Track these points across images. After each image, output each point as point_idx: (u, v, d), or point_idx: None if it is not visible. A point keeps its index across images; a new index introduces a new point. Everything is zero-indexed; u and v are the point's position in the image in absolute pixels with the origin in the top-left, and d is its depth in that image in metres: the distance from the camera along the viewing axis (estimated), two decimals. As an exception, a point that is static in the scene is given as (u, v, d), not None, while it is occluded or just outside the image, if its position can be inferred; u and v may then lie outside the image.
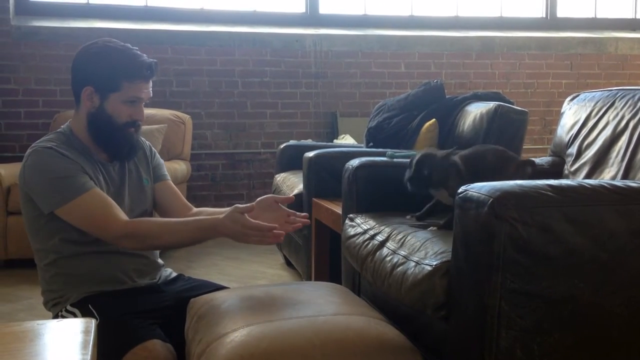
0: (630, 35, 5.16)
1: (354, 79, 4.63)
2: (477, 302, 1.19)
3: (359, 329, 1.33)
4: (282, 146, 3.57)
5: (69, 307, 1.66)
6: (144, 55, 1.72)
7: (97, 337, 1.02)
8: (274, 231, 1.53)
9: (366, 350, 1.29)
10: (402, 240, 1.56)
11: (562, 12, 5.17)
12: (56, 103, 4.12)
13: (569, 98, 2.19)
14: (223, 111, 4.44)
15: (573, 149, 2.01)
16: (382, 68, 4.67)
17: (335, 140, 4.29)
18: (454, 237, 1.28)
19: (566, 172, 2.02)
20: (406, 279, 1.40)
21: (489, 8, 5.09)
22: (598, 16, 5.26)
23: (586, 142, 1.96)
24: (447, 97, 3.16)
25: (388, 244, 1.59)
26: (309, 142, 4.10)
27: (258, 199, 1.72)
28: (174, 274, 1.90)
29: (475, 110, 2.87)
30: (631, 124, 1.80)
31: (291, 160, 3.41)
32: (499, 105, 2.74)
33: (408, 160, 1.81)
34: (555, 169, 2.08)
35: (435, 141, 3.02)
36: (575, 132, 2.04)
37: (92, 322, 1.05)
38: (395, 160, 2.10)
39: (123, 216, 1.64)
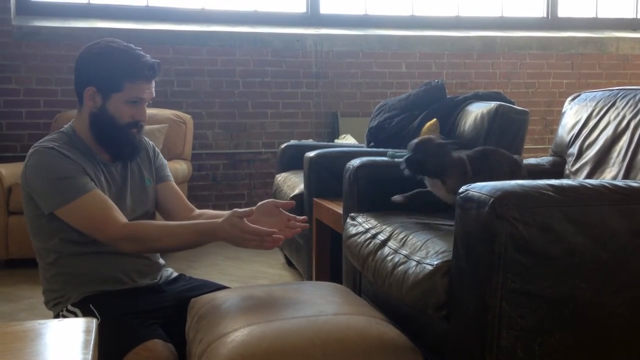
0: (631, 35, 5.15)
1: (354, 78, 4.63)
2: (478, 302, 1.19)
3: (360, 328, 1.33)
4: (283, 146, 3.57)
5: (70, 307, 1.66)
6: (147, 55, 1.71)
7: (98, 336, 1.02)
8: (273, 236, 1.52)
9: (367, 350, 1.29)
10: (403, 240, 1.56)
11: (563, 12, 5.16)
12: (57, 103, 4.12)
13: (570, 98, 2.19)
14: (224, 111, 4.44)
15: (574, 149, 2.01)
16: (383, 68, 4.67)
17: (336, 140, 4.29)
18: (455, 237, 1.28)
19: (567, 172, 2.02)
20: (407, 279, 1.40)
21: (490, 8, 5.09)
22: (599, 16, 5.26)
23: (587, 142, 1.96)
24: (448, 97, 3.16)
25: (389, 244, 1.59)
26: (310, 142, 4.10)
27: (258, 203, 1.71)
28: (175, 274, 1.90)
29: (476, 110, 2.86)
30: (632, 124, 1.80)
31: (292, 160, 3.41)
32: (500, 105, 2.73)
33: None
34: (556, 169, 2.08)
35: (436, 141, 3.01)
36: (576, 132, 2.04)
37: (93, 322, 1.05)
38: (396, 160, 2.10)
39: (122, 218, 1.64)
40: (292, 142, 3.83)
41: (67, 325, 1.08)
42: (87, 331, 1.01)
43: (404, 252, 1.49)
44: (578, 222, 1.18)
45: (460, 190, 1.27)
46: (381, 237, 1.66)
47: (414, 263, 1.41)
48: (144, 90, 1.70)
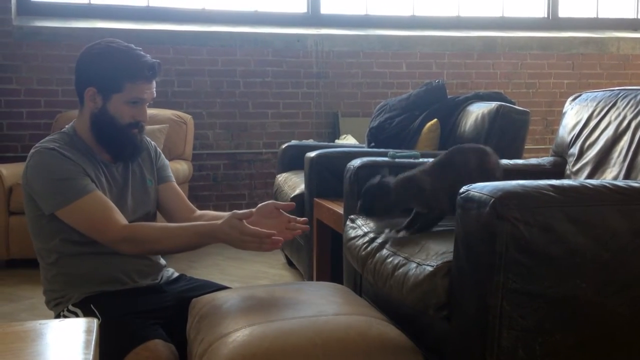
0: (632, 35, 5.15)
1: (355, 79, 4.63)
2: (478, 302, 1.19)
3: (360, 329, 1.33)
4: (283, 146, 3.57)
5: (70, 307, 1.67)
6: (147, 55, 1.71)
7: (99, 337, 1.02)
8: (272, 237, 1.52)
9: (368, 350, 1.29)
10: (403, 242, 1.55)
11: (563, 12, 5.16)
12: (58, 103, 4.13)
13: (570, 98, 2.19)
14: (225, 111, 4.44)
15: (575, 149, 2.01)
16: (384, 68, 4.67)
17: (336, 141, 4.29)
18: (455, 238, 1.28)
19: (568, 172, 2.02)
20: (407, 280, 1.40)
21: (491, 8, 5.09)
22: (600, 16, 5.26)
23: (588, 142, 1.96)
24: (448, 97, 3.16)
25: (389, 245, 1.59)
26: (311, 142, 4.10)
27: (258, 205, 1.71)
28: (176, 274, 1.90)
29: (477, 110, 2.87)
30: (633, 124, 1.79)
31: (293, 161, 3.41)
32: (500, 105, 2.74)
33: (410, 160, 1.79)
34: (557, 169, 2.08)
35: (436, 141, 3.02)
36: (577, 132, 2.03)
37: (94, 322, 1.05)
38: (396, 160, 2.10)
39: (122, 220, 1.63)
40: (293, 142, 3.83)
41: (68, 325, 1.09)
42: (88, 331, 1.01)
43: (403, 253, 1.49)
44: (579, 222, 1.17)
45: (461, 190, 1.27)
46: (380, 239, 1.65)
47: (414, 264, 1.40)
48: (145, 90, 1.70)
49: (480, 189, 1.21)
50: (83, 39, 3.95)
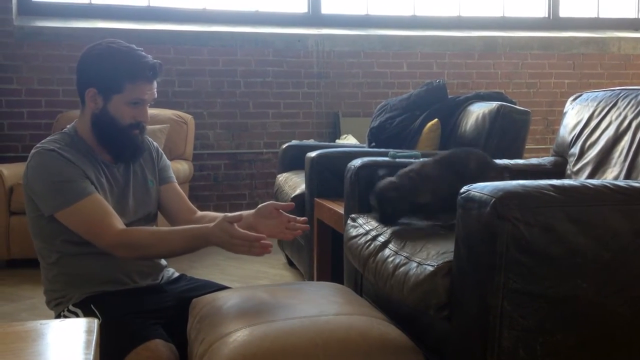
0: (632, 35, 5.15)
1: (356, 79, 4.63)
2: (479, 302, 1.19)
3: (361, 329, 1.33)
4: (284, 146, 3.57)
5: (71, 307, 1.66)
6: (149, 56, 1.71)
7: (99, 337, 1.02)
8: (262, 242, 1.51)
9: (368, 350, 1.29)
10: (404, 241, 1.55)
11: (564, 12, 5.16)
12: (59, 103, 4.13)
13: (571, 98, 2.19)
14: (225, 111, 4.44)
15: (575, 149, 2.01)
16: (385, 68, 4.67)
17: (337, 140, 4.29)
18: (456, 237, 1.28)
19: (569, 172, 2.02)
20: (408, 280, 1.40)
21: (492, 8, 5.09)
22: (601, 16, 5.26)
23: (589, 142, 1.96)
24: (449, 97, 3.16)
25: (390, 245, 1.59)
26: (311, 142, 4.10)
27: (258, 206, 1.71)
28: (177, 274, 1.90)
29: (478, 110, 2.86)
30: (634, 124, 1.79)
31: (293, 160, 3.41)
32: (501, 105, 2.73)
33: (410, 160, 1.80)
34: (558, 169, 2.08)
35: (437, 141, 3.02)
36: (577, 132, 2.03)
37: (95, 322, 1.05)
38: (397, 160, 2.10)
39: (119, 225, 1.62)
40: (294, 142, 3.83)
41: (69, 325, 1.09)
42: (89, 331, 1.01)
43: (404, 253, 1.49)
44: (580, 222, 1.17)
45: (462, 190, 1.27)
46: (382, 238, 1.65)
47: (415, 264, 1.40)
48: (145, 91, 1.69)
49: (481, 189, 1.21)
50: (84, 39, 3.95)
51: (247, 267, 3.43)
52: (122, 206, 1.73)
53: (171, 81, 4.29)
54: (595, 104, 2.01)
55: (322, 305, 1.45)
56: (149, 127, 3.25)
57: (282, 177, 3.32)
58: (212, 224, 1.55)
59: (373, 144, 3.16)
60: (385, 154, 2.22)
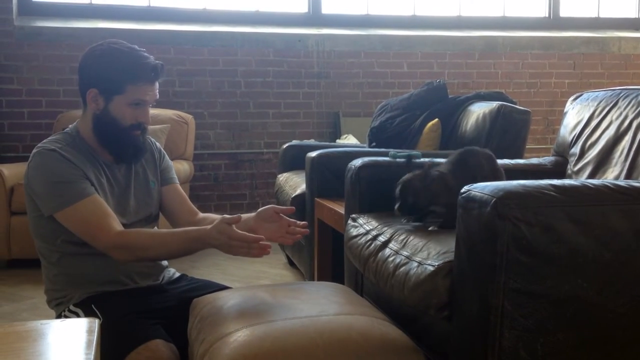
0: (633, 34, 5.15)
1: (356, 78, 4.63)
2: (480, 302, 1.19)
3: (362, 329, 1.33)
4: (284, 146, 3.58)
5: (72, 307, 1.67)
6: (150, 57, 1.70)
7: (100, 337, 1.02)
8: (260, 243, 1.50)
9: (369, 351, 1.29)
10: (404, 241, 1.55)
11: (565, 12, 5.16)
12: (59, 103, 4.13)
13: (572, 98, 2.19)
14: (226, 111, 4.44)
15: (576, 149, 2.01)
16: (385, 68, 4.67)
17: (337, 140, 4.29)
18: (456, 237, 1.28)
19: (569, 171, 2.02)
20: (409, 280, 1.40)
21: (492, 8, 5.08)
22: (601, 16, 5.26)
23: (589, 142, 1.96)
24: (449, 96, 3.16)
25: (390, 245, 1.59)
26: (312, 142, 4.10)
27: (258, 210, 1.71)
28: (177, 274, 1.90)
29: (478, 110, 2.87)
30: (634, 124, 1.79)
31: (294, 160, 3.41)
32: (501, 105, 2.74)
33: (416, 160, 1.79)
34: (558, 169, 2.08)
35: (437, 141, 3.02)
36: (578, 131, 2.03)
37: (96, 322, 1.05)
38: (398, 160, 2.10)
39: (117, 227, 1.62)
40: (294, 142, 3.83)
41: (70, 325, 1.09)
42: (90, 331, 1.01)
43: (405, 253, 1.49)
44: (580, 222, 1.17)
45: (462, 190, 1.27)
46: (382, 238, 1.65)
47: (416, 264, 1.40)
48: (147, 92, 1.69)
49: (481, 189, 1.21)
50: (84, 39, 3.96)
51: (247, 267, 3.43)
52: (123, 206, 1.73)
53: (172, 81, 4.30)
54: (595, 103, 2.01)
55: (322, 305, 1.45)
56: (150, 127, 3.25)
57: (282, 177, 3.32)
58: (209, 226, 1.55)
59: (373, 143, 3.16)
60: (385, 154, 2.22)
